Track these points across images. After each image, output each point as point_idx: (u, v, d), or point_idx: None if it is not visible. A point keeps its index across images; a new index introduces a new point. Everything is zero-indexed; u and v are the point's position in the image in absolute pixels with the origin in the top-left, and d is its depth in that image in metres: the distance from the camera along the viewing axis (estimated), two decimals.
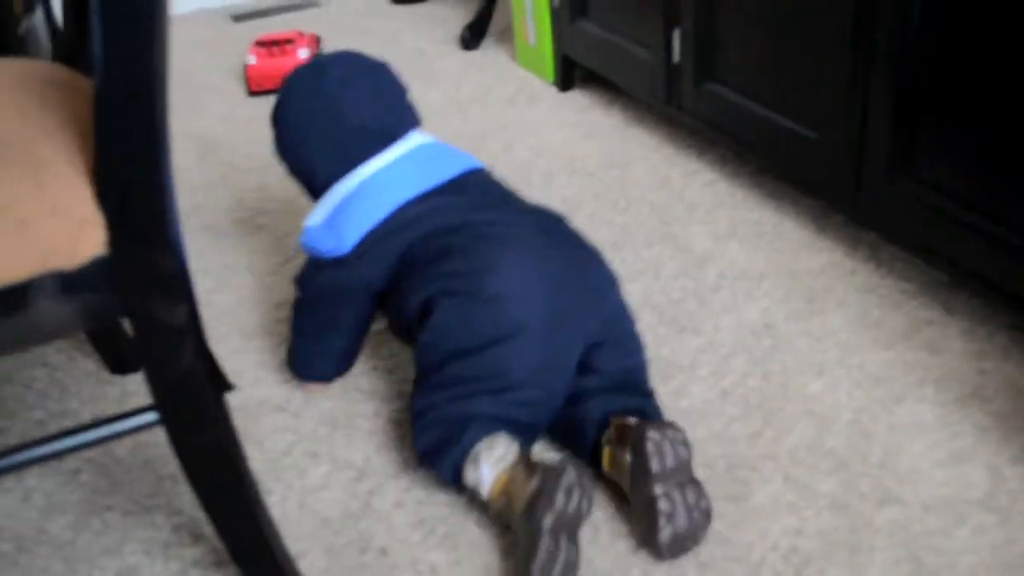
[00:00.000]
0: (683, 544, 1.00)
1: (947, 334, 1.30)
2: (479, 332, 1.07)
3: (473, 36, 2.41)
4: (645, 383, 1.16)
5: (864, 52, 1.29)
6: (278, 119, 1.28)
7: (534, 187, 1.75)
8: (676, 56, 1.69)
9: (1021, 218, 1.15)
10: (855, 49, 1.30)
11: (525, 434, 1.08)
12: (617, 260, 1.50)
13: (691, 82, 1.67)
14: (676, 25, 1.66)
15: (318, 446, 1.21)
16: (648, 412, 1.11)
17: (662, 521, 0.98)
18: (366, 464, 1.18)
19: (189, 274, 0.81)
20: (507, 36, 2.42)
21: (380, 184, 1.20)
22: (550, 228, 1.18)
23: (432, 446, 1.08)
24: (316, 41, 2.38)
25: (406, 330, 1.19)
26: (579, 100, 2.09)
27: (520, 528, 0.99)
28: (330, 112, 1.22)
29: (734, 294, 1.42)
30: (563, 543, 0.96)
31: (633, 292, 1.42)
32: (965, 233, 1.22)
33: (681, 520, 0.99)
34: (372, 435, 1.22)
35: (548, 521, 0.96)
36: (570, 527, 0.97)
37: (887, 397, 1.20)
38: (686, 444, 1.02)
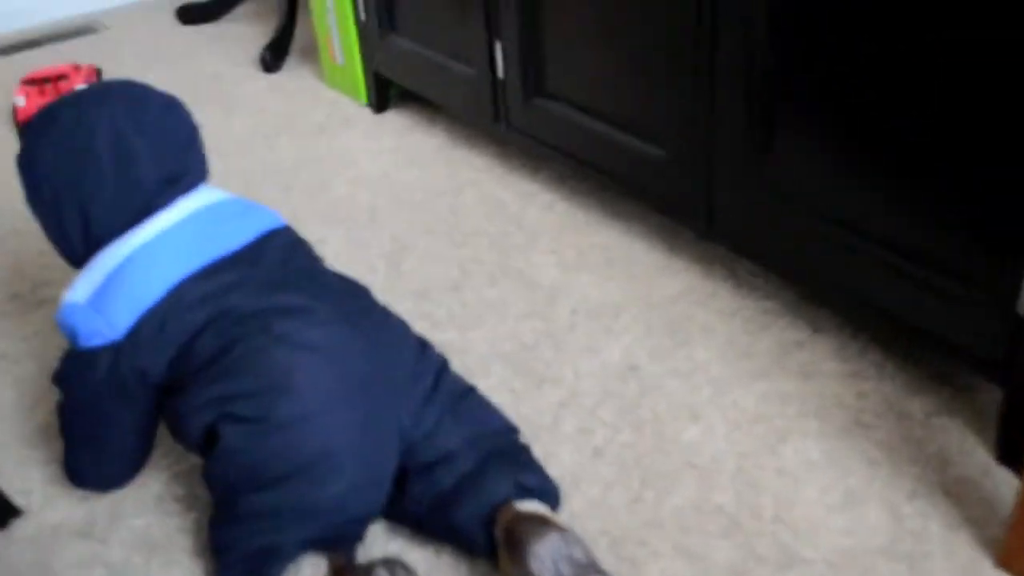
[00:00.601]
0: None
1: (818, 355, 1.21)
2: (274, 464, 0.93)
3: (274, 57, 2.21)
4: (514, 443, 1.03)
5: (706, 61, 1.19)
6: (26, 165, 1.05)
7: (359, 225, 1.58)
8: (500, 71, 1.55)
9: (879, 225, 1.07)
10: (696, 58, 1.20)
11: (345, 543, 0.96)
12: (457, 303, 1.36)
13: (518, 98, 1.54)
14: (498, 37, 1.52)
15: None
16: (529, 488, 0.97)
17: None
18: None
19: None
20: (312, 54, 2.23)
21: (158, 253, 1.01)
22: (352, 310, 1.04)
23: None
24: (96, 74, 2.12)
25: (187, 446, 1.02)
26: (397, 121, 1.93)
27: None
28: (94, 159, 1.01)
29: (591, 333, 1.29)
30: None
31: (477, 341, 1.28)
32: (822, 244, 1.14)
33: None
34: (198, 557, 1.03)
35: None
36: None
37: (769, 436, 1.11)
38: (578, 543, 0.90)
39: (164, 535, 1.06)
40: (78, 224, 1.03)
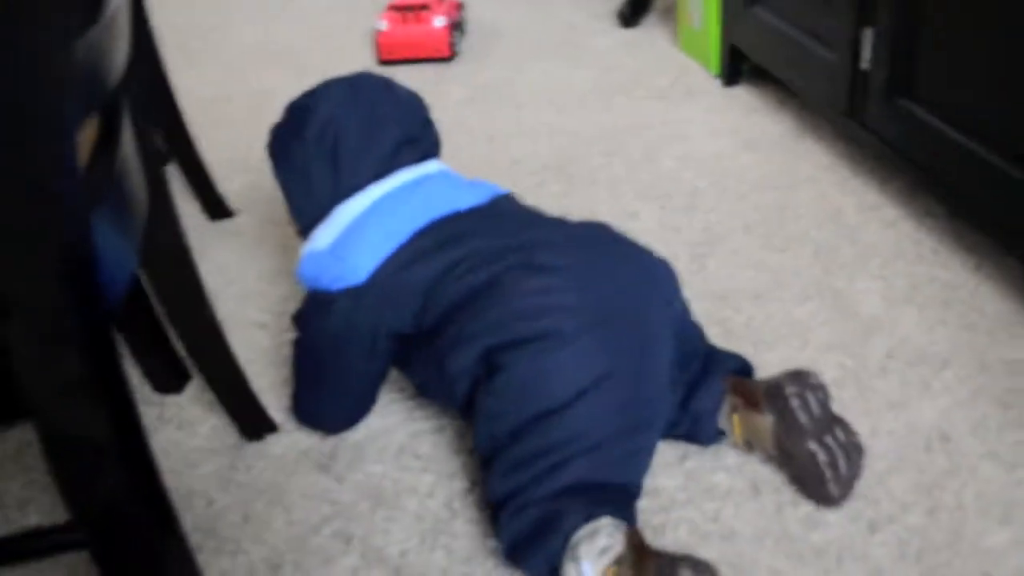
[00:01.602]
0: (850, 485, 0.95)
1: None
2: (564, 385, 0.89)
3: (633, 12, 2.12)
4: (710, 347, 1.05)
5: None
6: (283, 138, 1.11)
7: (674, 207, 1.47)
8: (865, 61, 1.36)
9: None
10: None
11: (630, 498, 0.91)
12: (760, 315, 1.22)
13: (880, 95, 1.34)
14: (868, 24, 1.33)
15: (354, 526, 0.99)
16: (750, 368, 1.04)
17: (828, 473, 0.93)
18: (401, 561, 0.95)
19: (120, 366, 0.59)
20: (672, 15, 2.11)
21: (396, 205, 1.02)
22: (601, 240, 1.01)
23: (522, 539, 0.88)
24: (457, 7, 2.14)
25: (447, 393, 0.98)
26: (744, 99, 1.78)
27: None
28: (345, 118, 1.06)
29: (904, 384, 1.10)
30: None
31: (771, 362, 1.13)
32: None
33: (842, 464, 0.93)
34: (418, 521, 0.99)
35: None
36: None
37: None
38: (822, 385, 0.96)
39: (395, 489, 1.03)
40: (329, 178, 1.06)
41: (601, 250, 0.98)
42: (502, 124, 1.76)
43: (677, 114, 1.74)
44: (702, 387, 0.99)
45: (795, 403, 0.93)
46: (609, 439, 0.89)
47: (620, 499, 0.89)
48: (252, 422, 1.12)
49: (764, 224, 1.41)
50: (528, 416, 0.89)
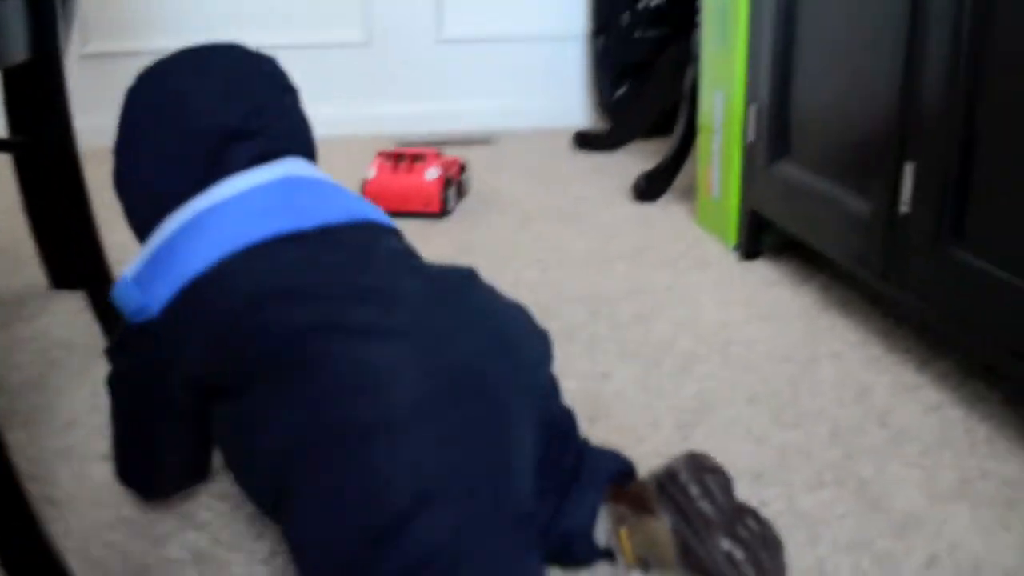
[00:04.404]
0: None
1: None
2: (398, 490, 0.65)
3: (649, 185, 1.91)
4: (582, 444, 0.83)
5: None
6: (117, 139, 0.89)
7: (661, 371, 1.18)
8: (905, 204, 1.10)
9: None
10: None
11: None
12: (756, 500, 0.90)
13: (926, 243, 1.07)
14: (911, 158, 1.09)
15: None
16: (632, 468, 0.83)
17: (753, 573, 0.72)
18: None
19: None
20: (692, 194, 1.90)
21: (212, 221, 0.79)
22: (463, 293, 0.78)
23: None
24: (460, 168, 1.96)
25: (255, 487, 0.77)
26: (763, 272, 1.52)
27: None
28: (174, 110, 0.84)
29: None
30: None
31: None
32: None
33: (765, 561, 0.73)
34: None
35: None
36: None
37: None
38: (720, 469, 0.77)
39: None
40: (146, 194, 0.85)
41: (459, 306, 0.76)
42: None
43: (683, 281, 1.49)
44: (574, 499, 0.78)
45: (695, 491, 0.74)
46: (481, 544, 0.65)
47: None
48: None
49: (772, 397, 1.11)
50: (356, 546, 0.64)
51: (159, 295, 0.78)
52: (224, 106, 0.85)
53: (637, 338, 1.28)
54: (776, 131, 1.44)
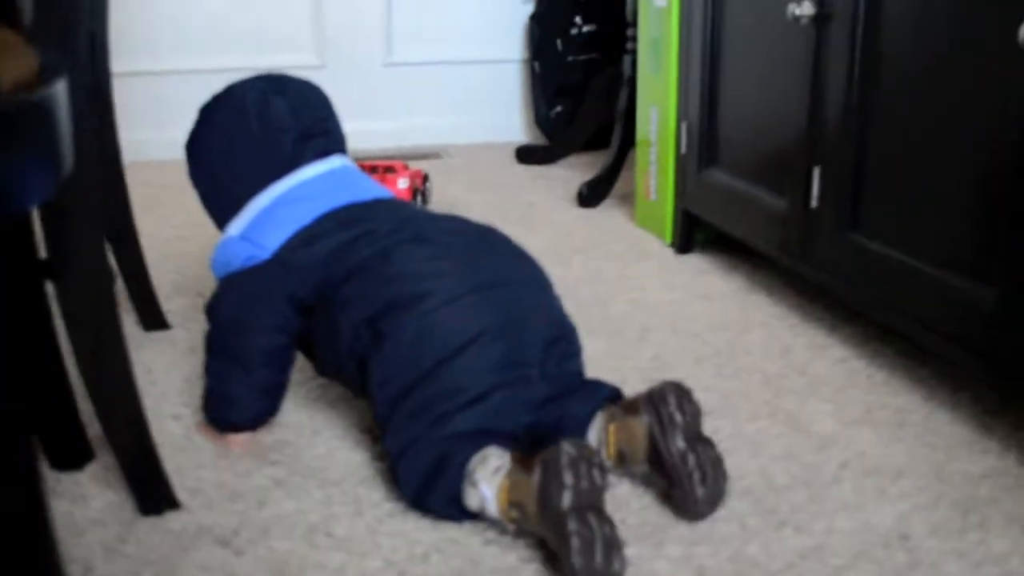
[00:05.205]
0: (716, 500, 0.97)
1: None
2: (446, 339, 0.99)
3: (591, 192, 2.17)
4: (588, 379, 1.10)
5: None
6: (198, 139, 1.21)
7: (624, 340, 1.43)
8: (814, 200, 1.38)
9: None
10: None
11: (511, 442, 0.98)
12: (708, 430, 1.15)
13: (831, 232, 1.35)
14: (817, 162, 1.36)
15: None
16: (622, 394, 1.07)
17: (697, 475, 0.95)
18: None
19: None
20: (629, 200, 2.17)
21: (301, 194, 1.13)
22: (485, 233, 1.13)
23: (423, 479, 0.96)
24: (423, 178, 2.19)
25: (343, 366, 1.07)
26: (696, 263, 1.79)
27: (544, 527, 0.88)
28: (262, 117, 1.16)
29: (859, 490, 1.04)
30: (592, 521, 0.84)
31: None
32: None
33: (710, 473, 0.96)
34: None
35: (566, 503, 0.85)
36: (592, 502, 0.86)
37: None
38: (698, 405, 0.99)
39: (300, 565, 0.92)
40: (234, 180, 1.16)
41: (484, 238, 1.11)
42: None
43: (630, 271, 1.75)
44: (577, 395, 1.03)
45: (672, 405, 0.97)
46: (490, 391, 0.97)
47: (504, 442, 0.96)
48: (153, 495, 1.02)
49: (715, 357, 1.38)
50: (416, 373, 0.98)
51: (270, 244, 1.09)
52: (298, 115, 1.17)
53: (599, 315, 1.53)
54: (705, 143, 1.72)
